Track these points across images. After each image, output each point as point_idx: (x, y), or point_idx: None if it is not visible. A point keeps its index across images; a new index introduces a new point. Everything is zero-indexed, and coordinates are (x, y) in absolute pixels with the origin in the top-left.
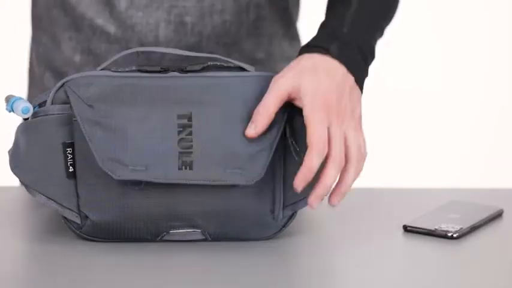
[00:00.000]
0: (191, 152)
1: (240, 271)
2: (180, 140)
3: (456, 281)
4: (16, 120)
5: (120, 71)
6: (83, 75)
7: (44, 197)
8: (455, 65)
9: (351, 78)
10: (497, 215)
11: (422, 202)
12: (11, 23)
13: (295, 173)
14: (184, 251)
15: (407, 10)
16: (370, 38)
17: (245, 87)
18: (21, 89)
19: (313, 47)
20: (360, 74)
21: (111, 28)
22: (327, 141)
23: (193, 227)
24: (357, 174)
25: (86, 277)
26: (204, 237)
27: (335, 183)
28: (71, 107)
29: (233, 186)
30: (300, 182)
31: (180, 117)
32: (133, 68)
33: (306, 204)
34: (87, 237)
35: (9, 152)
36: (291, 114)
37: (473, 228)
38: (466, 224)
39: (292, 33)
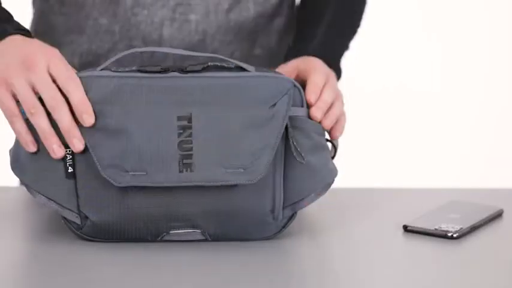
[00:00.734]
0: (191, 154)
1: (240, 271)
2: (180, 142)
3: (456, 281)
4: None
5: (120, 71)
6: (83, 75)
7: (44, 197)
8: (455, 65)
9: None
10: (497, 215)
11: (422, 202)
12: None
13: (295, 173)
14: (185, 251)
15: (407, 10)
16: (337, 57)
17: (244, 87)
18: None
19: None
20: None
21: (116, 27)
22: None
23: (193, 227)
24: (340, 109)
25: (86, 277)
26: (204, 238)
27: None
28: None
29: (234, 186)
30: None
31: (180, 118)
32: (134, 68)
33: (305, 204)
34: (87, 237)
35: (10, 151)
36: (292, 114)
37: (473, 228)
38: (466, 224)
39: (292, 29)
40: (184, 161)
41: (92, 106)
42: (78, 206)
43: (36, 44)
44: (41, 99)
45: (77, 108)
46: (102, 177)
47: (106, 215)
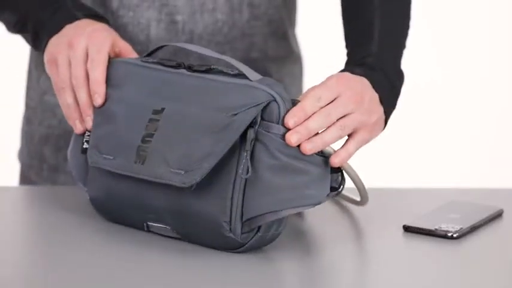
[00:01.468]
0: (147, 147)
1: (235, 267)
2: (145, 134)
3: (456, 281)
4: (16, 120)
5: (144, 61)
6: (118, 60)
7: (70, 165)
8: (456, 65)
9: (376, 96)
10: (497, 215)
11: (422, 202)
12: None
13: (254, 189)
14: (166, 252)
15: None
16: (395, 63)
17: (220, 92)
18: (21, 90)
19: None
20: (387, 102)
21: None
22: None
23: (163, 222)
24: (334, 138)
25: (86, 277)
26: (178, 236)
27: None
28: None
29: (191, 188)
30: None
31: (154, 112)
32: (155, 60)
33: (264, 220)
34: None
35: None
36: (262, 129)
37: (473, 228)
38: (466, 224)
39: (288, 33)
40: (140, 153)
41: (106, 88)
42: (86, 181)
43: (91, 27)
44: None
45: (91, 87)
46: None
47: (100, 195)
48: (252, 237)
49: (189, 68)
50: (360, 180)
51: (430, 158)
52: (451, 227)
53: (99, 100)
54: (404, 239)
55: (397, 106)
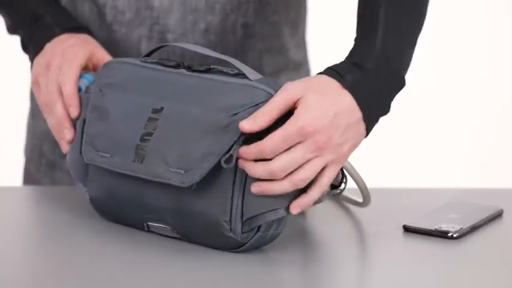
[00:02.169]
0: (146, 146)
1: (235, 267)
2: (144, 133)
3: (456, 281)
4: (15, 120)
5: (143, 61)
6: (117, 60)
7: (69, 166)
8: (456, 65)
9: (356, 114)
10: (497, 215)
11: (422, 202)
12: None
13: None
14: (167, 253)
15: None
16: (397, 69)
17: (220, 92)
18: (24, 90)
19: (332, 70)
20: (371, 113)
21: (99, 40)
22: (272, 155)
23: (162, 222)
24: (311, 200)
25: (86, 277)
26: (179, 236)
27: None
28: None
29: (191, 187)
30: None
31: (153, 111)
32: (155, 59)
33: (264, 219)
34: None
35: None
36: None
37: (473, 228)
38: (466, 224)
39: (286, 45)
40: (139, 152)
41: (103, 88)
42: (85, 181)
43: (67, 42)
44: None
45: (65, 101)
46: None
47: (100, 195)
48: (252, 237)
49: (189, 68)
50: (363, 181)
51: (430, 158)
52: (451, 227)
53: (74, 112)
54: (404, 239)
55: (398, 106)
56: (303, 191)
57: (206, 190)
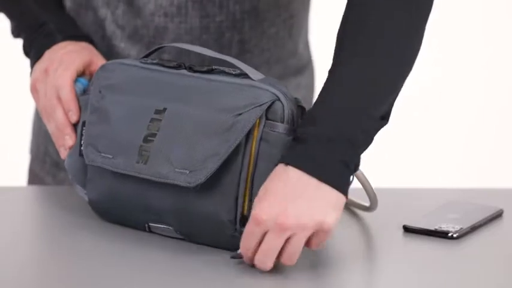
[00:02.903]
0: (150, 147)
1: (238, 266)
2: (147, 134)
3: (456, 281)
4: (15, 119)
5: (143, 62)
6: (115, 61)
7: (68, 168)
8: (455, 65)
9: (308, 181)
10: (497, 215)
11: (422, 202)
12: None
13: (258, 187)
14: (164, 251)
15: None
16: (360, 127)
17: (222, 92)
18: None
19: (285, 156)
20: (330, 174)
21: (100, 51)
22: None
23: (165, 223)
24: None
25: (87, 277)
26: (181, 237)
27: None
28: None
29: (195, 188)
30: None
31: (156, 111)
32: (156, 60)
33: None
34: (98, 214)
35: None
36: (268, 129)
37: (473, 228)
38: (466, 224)
39: (283, 57)
40: (143, 153)
41: (102, 90)
42: (84, 183)
43: (65, 49)
44: None
45: (64, 106)
46: None
47: (100, 196)
48: None
49: (190, 69)
50: (370, 185)
51: (429, 158)
52: (451, 227)
53: (74, 117)
54: (404, 239)
55: (398, 106)
56: None
57: (210, 190)
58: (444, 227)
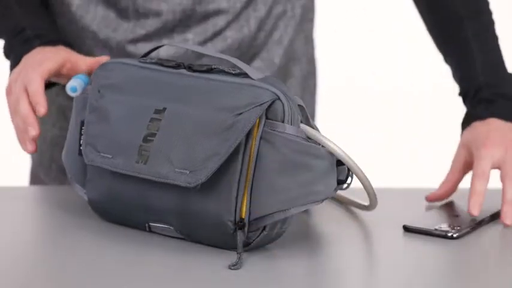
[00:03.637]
0: (150, 147)
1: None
2: (147, 134)
3: (456, 281)
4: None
5: (142, 62)
6: (114, 60)
7: (67, 169)
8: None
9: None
10: (497, 215)
11: (422, 202)
12: None
13: (260, 188)
14: (166, 251)
15: (406, 7)
16: (505, 77)
17: (222, 92)
18: None
19: (472, 117)
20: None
21: (118, 41)
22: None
23: (165, 223)
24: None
25: (87, 277)
26: (182, 236)
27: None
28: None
29: (195, 188)
30: (473, 206)
31: (155, 111)
32: (154, 60)
33: (272, 219)
34: (97, 214)
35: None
36: (268, 129)
37: (473, 228)
38: (466, 224)
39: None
40: (142, 153)
41: (101, 89)
42: (84, 183)
43: (41, 54)
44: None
45: (32, 99)
46: None
47: (100, 196)
48: (257, 236)
49: (189, 68)
50: (370, 185)
51: (430, 158)
52: (451, 227)
53: (42, 110)
54: (404, 239)
55: (398, 102)
56: None
57: (211, 190)
58: (444, 227)
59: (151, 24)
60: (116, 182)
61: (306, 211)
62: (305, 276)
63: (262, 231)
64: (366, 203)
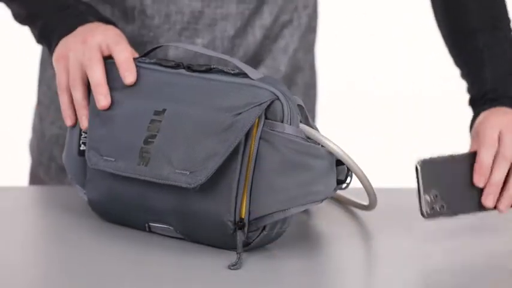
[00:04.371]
0: (150, 148)
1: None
2: (147, 135)
3: (456, 281)
4: (15, 120)
5: (141, 62)
6: (112, 61)
7: (67, 168)
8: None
9: None
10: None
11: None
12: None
13: (259, 188)
14: (166, 250)
15: (406, 12)
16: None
17: (222, 92)
18: (30, 92)
19: (476, 115)
20: None
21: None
22: (497, 140)
23: (165, 223)
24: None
25: (88, 277)
26: (182, 236)
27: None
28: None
29: (195, 188)
30: (478, 178)
31: (155, 113)
32: (153, 60)
33: (272, 219)
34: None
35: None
36: (268, 129)
37: (454, 214)
38: (452, 209)
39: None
40: (144, 155)
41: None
42: (84, 183)
43: (103, 26)
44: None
45: (122, 67)
46: None
47: (100, 197)
48: (257, 236)
49: (188, 68)
50: (370, 184)
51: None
52: (435, 205)
53: (131, 78)
54: (404, 239)
55: (398, 106)
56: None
57: (211, 190)
58: (433, 199)
59: (158, 25)
60: (116, 183)
61: (306, 211)
62: (305, 276)
63: (262, 231)
64: (366, 203)
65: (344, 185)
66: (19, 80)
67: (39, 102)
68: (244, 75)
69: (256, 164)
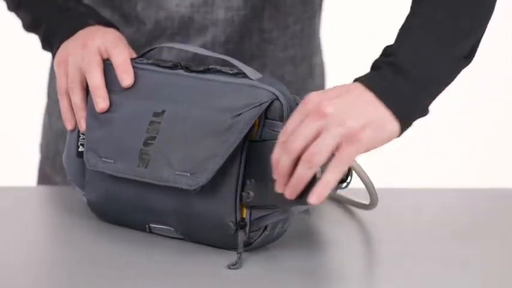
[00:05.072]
0: (149, 150)
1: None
2: (147, 137)
3: (456, 281)
4: (14, 120)
5: (138, 62)
6: (109, 62)
7: (66, 170)
8: None
9: (367, 94)
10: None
11: (422, 202)
12: None
13: (264, 186)
14: (166, 250)
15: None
16: (434, 66)
17: (221, 93)
18: (40, 87)
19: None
20: (397, 101)
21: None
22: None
23: (166, 224)
24: (326, 185)
25: (87, 276)
26: (182, 237)
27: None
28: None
29: (195, 190)
30: (279, 184)
31: (154, 114)
32: (151, 60)
33: (272, 219)
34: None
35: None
36: (267, 128)
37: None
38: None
39: (308, 54)
40: (143, 156)
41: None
42: (83, 185)
43: (103, 30)
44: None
45: (119, 69)
46: None
47: (99, 198)
48: (258, 236)
49: (187, 69)
50: (371, 182)
51: (430, 158)
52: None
53: (129, 80)
54: (405, 239)
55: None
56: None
57: (211, 191)
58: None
59: (149, 31)
60: (115, 184)
61: (306, 211)
62: (305, 276)
63: (263, 231)
64: (367, 202)
65: (344, 184)
66: (29, 82)
67: (49, 97)
68: (243, 75)
69: (257, 163)
